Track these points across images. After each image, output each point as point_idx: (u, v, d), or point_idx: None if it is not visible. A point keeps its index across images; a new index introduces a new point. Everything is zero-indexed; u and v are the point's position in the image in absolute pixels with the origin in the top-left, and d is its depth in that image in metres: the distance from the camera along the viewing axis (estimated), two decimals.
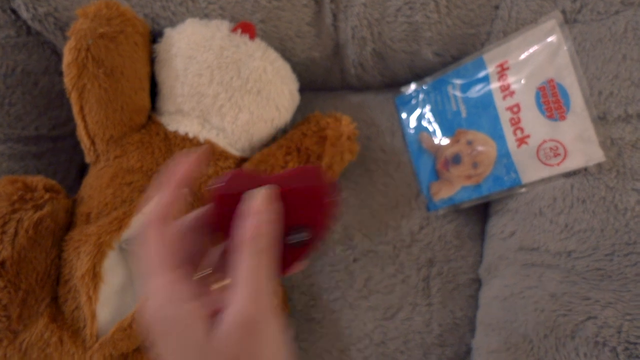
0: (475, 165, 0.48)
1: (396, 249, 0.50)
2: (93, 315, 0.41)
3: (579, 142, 0.43)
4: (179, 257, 0.25)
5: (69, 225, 0.45)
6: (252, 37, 0.47)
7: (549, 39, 0.44)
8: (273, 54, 0.48)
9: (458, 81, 0.49)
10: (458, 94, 0.49)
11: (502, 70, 0.46)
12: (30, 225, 0.41)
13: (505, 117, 0.46)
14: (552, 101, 0.43)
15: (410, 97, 0.53)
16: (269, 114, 0.47)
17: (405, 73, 0.54)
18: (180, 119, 0.48)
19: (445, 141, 0.50)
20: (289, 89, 0.49)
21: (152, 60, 0.49)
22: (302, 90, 0.56)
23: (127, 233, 0.43)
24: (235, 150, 0.48)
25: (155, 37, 0.49)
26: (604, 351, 0.38)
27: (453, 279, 0.50)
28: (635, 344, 0.37)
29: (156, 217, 0.25)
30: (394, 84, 0.56)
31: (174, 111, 0.49)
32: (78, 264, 0.41)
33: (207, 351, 0.22)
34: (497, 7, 0.46)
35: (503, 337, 0.44)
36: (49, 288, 0.42)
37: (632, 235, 0.40)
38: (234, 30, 0.47)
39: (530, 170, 0.45)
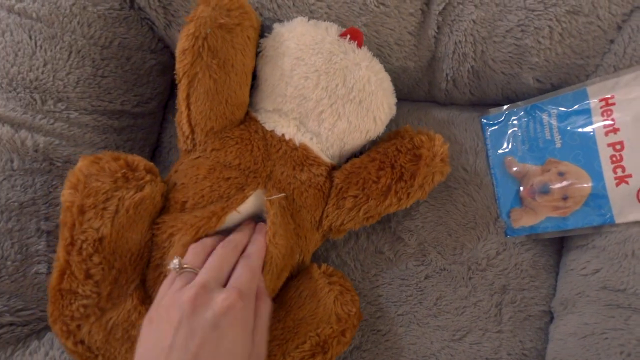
0: (565, 197, 0.47)
1: (470, 271, 0.50)
2: None
3: None
4: None
5: (163, 208, 0.44)
6: (360, 44, 0.46)
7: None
8: (378, 65, 0.47)
9: (555, 110, 0.49)
10: (554, 122, 0.48)
11: (607, 105, 0.45)
12: (131, 205, 0.41)
13: (605, 153, 0.45)
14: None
15: (499, 118, 0.53)
16: (366, 125, 0.47)
17: (496, 94, 0.54)
18: (277, 119, 0.47)
19: (533, 169, 0.49)
20: (388, 102, 0.48)
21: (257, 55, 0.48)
22: None
23: (224, 226, 0.43)
24: (325, 157, 0.47)
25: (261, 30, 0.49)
26: None
27: (525, 309, 0.49)
28: None
29: None
30: (481, 104, 0.56)
31: (271, 110, 0.47)
32: (172, 251, 0.40)
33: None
34: (612, 41, 0.46)
35: None
36: (139, 270, 0.42)
37: None
38: (342, 35, 0.46)
39: (627, 211, 0.44)
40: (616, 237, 0.45)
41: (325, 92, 0.45)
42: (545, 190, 0.48)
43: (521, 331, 0.49)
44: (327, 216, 0.46)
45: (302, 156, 0.45)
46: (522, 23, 0.46)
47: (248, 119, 0.47)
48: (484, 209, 0.51)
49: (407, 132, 0.47)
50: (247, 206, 0.43)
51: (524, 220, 0.49)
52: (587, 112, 0.47)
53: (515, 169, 0.51)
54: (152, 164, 0.43)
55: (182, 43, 0.41)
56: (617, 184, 0.44)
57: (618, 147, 0.45)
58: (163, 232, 0.42)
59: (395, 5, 0.48)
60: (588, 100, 0.47)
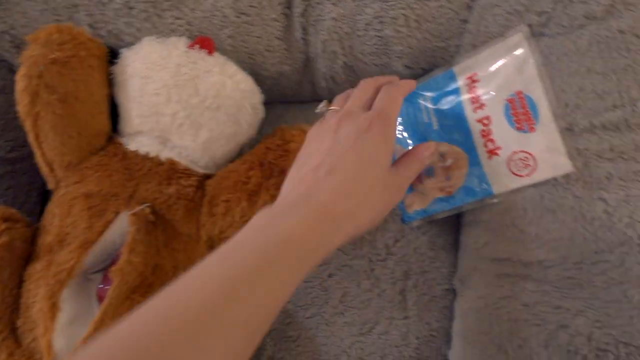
0: (448, 177, 0.48)
1: (371, 263, 0.50)
2: (49, 347, 0.40)
3: (547, 153, 0.44)
4: None
5: (30, 254, 0.43)
6: (210, 52, 0.46)
7: (516, 52, 0.45)
8: (232, 68, 0.47)
9: (429, 93, 0.50)
10: (430, 105, 0.49)
11: (472, 83, 0.47)
12: None
13: (476, 129, 0.46)
14: (520, 113, 0.44)
15: None
16: (230, 129, 0.47)
17: None
18: (141, 139, 0.47)
19: None
20: (251, 103, 0.48)
21: (111, 82, 0.48)
22: (273, 103, 0.56)
23: (88, 260, 0.42)
24: (198, 167, 0.47)
25: (116, 56, 0.48)
26: (576, 359, 0.39)
27: (428, 290, 0.50)
28: (605, 350, 0.38)
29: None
30: None
31: (133, 132, 0.47)
32: (38, 296, 0.39)
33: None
34: (465, 21, 0.47)
35: (478, 348, 0.44)
36: (6, 320, 0.41)
37: (600, 244, 0.41)
38: (191, 46, 0.46)
39: (502, 182, 0.46)
40: (497, 209, 0.47)
41: (179, 104, 0.45)
42: (430, 173, 0.49)
43: (427, 313, 0.50)
44: (203, 225, 0.45)
45: (168, 170, 0.45)
46: (378, 15, 0.47)
47: (109, 145, 0.46)
48: None
49: (280, 130, 0.48)
50: (115, 230, 0.42)
51: (417, 205, 0.50)
52: (456, 91, 0.48)
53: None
54: (13, 211, 0.42)
55: (18, 85, 0.40)
56: (490, 157, 0.46)
57: (486, 121, 0.46)
58: (32, 278, 0.41)
59: (256, 13, 0.48)
60: (456, 80, 0.48)
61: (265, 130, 0.52)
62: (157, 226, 0.44)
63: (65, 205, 0.43)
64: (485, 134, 0.46)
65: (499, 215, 0.46)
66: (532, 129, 0.44)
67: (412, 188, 0.51)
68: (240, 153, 0.50)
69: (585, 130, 0.43)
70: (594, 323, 0.39)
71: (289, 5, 0.49)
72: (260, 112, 0.50)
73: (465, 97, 0.47)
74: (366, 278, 0.50)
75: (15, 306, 0.41)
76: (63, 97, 0.42)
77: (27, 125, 0.42)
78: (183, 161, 0.47)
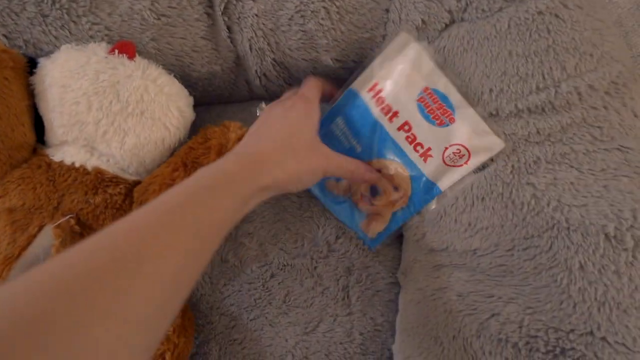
0: (396, 189, 0.47)
1: (313, 260, 0.50)
2: None
3: (476, 138, 0.43)
4: None
5: None
6: (131, 56, 0.45)
7: (407, 52, 0.43)
8: (155, 71, 0.46)
9: (339, 119, 0.47)
10: (345, 130, 0.47)
11: (376, 94, 0.45)
12: None
13: (400, 137, 0.45)
14: (435, 108, 0.43)
15: None
16: (157, 134, 0.46)
17: None
18: (66, 149, 0.46)
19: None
20: (177, 106, 0.47)
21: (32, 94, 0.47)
22: (209, 104, 0.55)
23: (13, 275, 0.41)
24: (129, 175, 0.46)
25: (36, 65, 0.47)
26: (507, 347, 0.38)
27: (372, 285, 0.50)
28: (535, 337, 0.38)
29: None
30: None
31: (58, 143, 0.46)
32: None
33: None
34: (387, 10, 0.46)
35: (417, 341, 0.44)
36: None
37: (530, 230, 0.40)
38: (111, 51, 0.45)
39: (445, 177, 0.45)
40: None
41: (101, 112, 0.44)
42: (375, 193, 0.48)
43: (370, 308, 0.49)
44: None
45: (95, 179, 0.44)
46: (299, 9, 0.46)
47: (34, 156, 0.45)
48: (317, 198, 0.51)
49: (203, 129, 0.47)
50: (39, 244, 0.41)
51: (376, 227, 0.49)
52: (364, 108, 0.45)
53: (335, 190, 0.50)
54: None
55: None
56: (425, 160, 0.45)
57: (406, 127, 0.44)
58: None
59: (177, 14, 0.47)
60: (359, 96, 0.46)
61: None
62: (83, 237, 0.43)
63: None
64: (411, 140, 0.45)
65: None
66: (452, 120, 0.43)
67: (364, 215, 0.49)
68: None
69: (511, 114, 0.42)
70: (525, 310, 0.39)
71: (210, 4, 0.48)
72: (188, 114, 0.49)
73: (375, 110, 0.45)
74: (309, 276, 0.49)
75: None
76: None
77: None
78: (111, 169, 0.46)
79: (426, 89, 0.43)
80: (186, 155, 0.45)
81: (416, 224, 0.48)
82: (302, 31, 0.47)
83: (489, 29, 0.43)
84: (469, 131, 0.43)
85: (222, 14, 0.47)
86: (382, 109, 0.45)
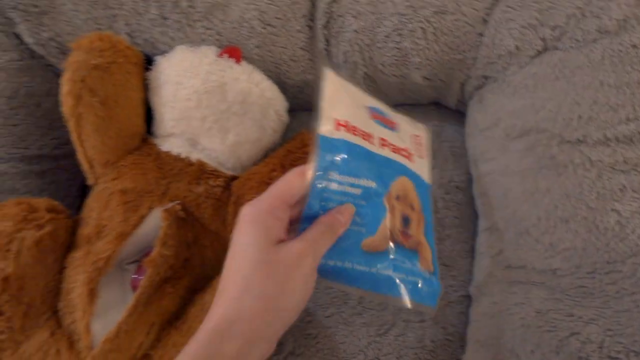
0: (411, 207, 0.41)
1: None
2: (87, 329, 0.43)
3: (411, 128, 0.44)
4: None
5: (71, 243, 0.46)
6: (238, 60, 0.49)
7: (343, 84, 0.41)
8: (258, 76, 0.50)
9: (334, 173, 0.36)
10: (346, 179, 0.37)
11: (347, 126, 0.38)
12: (32, 243, 0.43)
13: (390, 154, 0.40)
14: (382, 119, 0.41)
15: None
16: (255, 134, 0.49)
17: (397, 95, 0.57)
18: (173, 141, 0.50)
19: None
20: (275, 110, 0.51)
21: (146, 87, 0.51)
22: (298, 111, 0.58)
23: (125, 250, 0.45)
24: (226, 169, 0.50)
25: (151, 62, 0.51)
26: None
27: (445, 296, 0.51)
28: (616, 358, 0.39)
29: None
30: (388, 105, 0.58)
31: (166, 134, 0.50)
32: (78, 281, 0.43)
33: (264, 246, 0.31)
34: (481, 35, 0.48)
35: (492, 353, 0.45)
36: (49, 302, 0.44)
37: (613, 255, 0.41)
38: (220, 55, 0.49)
39: (424, 171, 0.43)
40: (513, 218, 0.48)
41: (209, 109, 0.47)
42: (407, 222, 0.40)
43: (442, 318, 0.51)
44: (229, 224, 0.48)
45: (198, 171, 0.48)
46: (397, 27, 0.49)
47: (144, 145, 0.49)
48: None
49: (300, 135, 0.50)
50: (148, 225, 0.45)
51: (427, 256, 0.41)
52: (348, 144, 0.37)
53: (373, 244, 0.38)
54: (56, 203, 0.46)
55: (63, 88, 0.44)
56: (411, 160, 0.42)
57: (384, 142, 0.40)
58: (72, 265, 0.44)
59: (281, 24, 0.51)
60: (330, 138, 0.37)
61: (289, 136, 0.55)
62: (187, 223, 0.46)
63: (103, 200, 0.46)
64: (396, 150, 0.40)
65: (514, 224, 0.47)
66: (394, 124, 0.42)
67: (416, 255, 0.40)
68: (265, 157, 0.53)
69: (599, 142, 0.44)
70: (606, 331, 0.40)
71: (312, 18, 0.51)
72: (285, 118, 0.52)
73: (358, 140, 0.38)
74: None
75: (57, 290, 0.45)
76: (104, 100, 0.46)
77: (71, 125, 0.46)
78: (211, 163, 0.49)
79: (366, 107, 0.41)
80: (284, 158, 0.48)
81: (492, 240, 0.50)
82: (397, 48, 0.50)
83: (582, 58, 0.45)
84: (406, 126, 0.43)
85: (322, 27, 0.51)
86: (362, 136, 0.39)
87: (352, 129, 0.38)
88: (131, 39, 0.51)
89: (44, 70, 0.53)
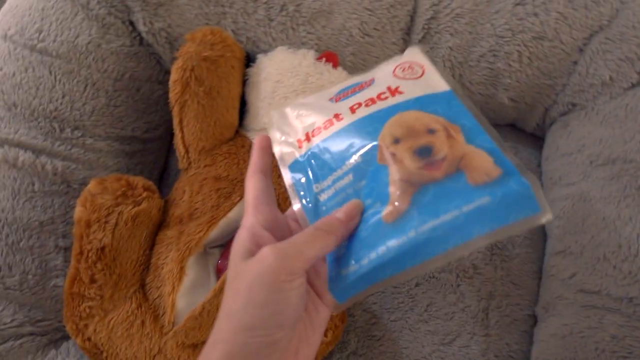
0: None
1: (458, 278, 0.53)
2: (173, 304, 0.45)
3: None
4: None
5: (161, 222, 0.49)
6: (335, 65, 0.52)
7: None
8: None
9: (315, 184, 0.33)
10: (329, 181, 0.33)
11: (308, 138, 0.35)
12: (129, 218, 0.46)
13: (374, 107, 0.35)
14: (351, 90, 0.37)
15: None
16: None
17: None
18: None
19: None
20: None
21: (244, 82, 0.54)
22: None
23: (213, 234, 0.47)
24: None
25: (251, 59, 0.54)
26: None
27: (511, 313, 0.52)
28: None
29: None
30: None
31: (259, 129, 0.53)
32: (168, 258, 0.45)
33: (235, 263, 0.28)
34: (575, 63, 0.50)
35: None
36: (138, 275, 0.46)
37: None
38: (319, 58, 0.52)
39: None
40: (591, 243, 0.48)
41: None
42: (427, 151, 0.32)
43: (507, 334, 0.51)
44: None
45: None
46: (493, 49, 0.51)
47: (237, 136, 0.52)
48: None
49: None
50: (236, 211, 0.47)
51: (482, 164, 0.32)
52: (312, 153, 0.34)
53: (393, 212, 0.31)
54: (150, 182, 0.48)
55: (173, 75, 0.47)
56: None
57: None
58: (164, 242, 0.46)
59: (378, 35, 0.53)
60: (296, 161, 0.35)
61: None
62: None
63: (196, 184, 0.49)
64: (371, 101, 0.34)
65: (591, 249, 0.48)
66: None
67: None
68: None
69: None
70: None
71: (408, 32, 0.54)
72: None
73: (320, 138, 0.34)
74: (452, 292, 0.53)
75: (146, 265, 0.47)
76: (208, 90, 0.48)
77: (175, 111, 0.49)
78: None
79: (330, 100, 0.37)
80: None
81: (565, 263, 0.50)
82: (490, 69, 0.52)
83: None
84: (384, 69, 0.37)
85: (418, 41, 0.53)
86: (325, 125, 0.35)
87: (314, 133, 0.34)
88: (235, 36, 0.53)
89: (149, 58, 0.56)
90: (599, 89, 0.49)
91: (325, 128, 0.34)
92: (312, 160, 0.33)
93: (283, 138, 0.36)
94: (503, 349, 0.51)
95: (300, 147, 0.35)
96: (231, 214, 0.47)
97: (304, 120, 0.36)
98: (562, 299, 0.50)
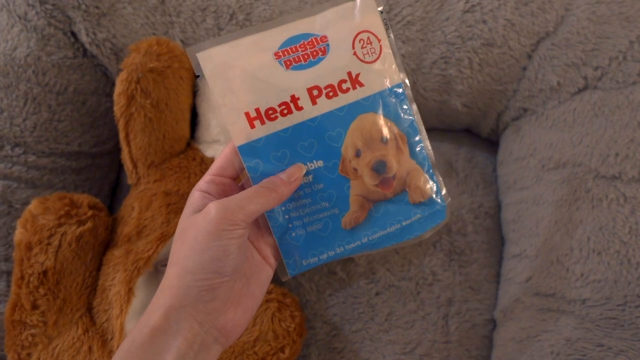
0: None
1: (418, 286, 0.53)
2: (122, 328, 0.43)
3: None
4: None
5: (108, 241, 0.47)
6: None
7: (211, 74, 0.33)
8: None
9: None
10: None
11: (259, 115, 0.33)
12: (72, 239, 0.44)
13: (335, 101, 0.35)
14: (303, 55, 0.34)
15: None
16: None
17: (432, 119, 0.58)
18: (217, 147, 0.51)
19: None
20: None
21: (194, 93, 0.53)
22: None
23: (164, 251, 0.46)
24: None
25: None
26: None
27: (470, 318, 0.52)
28: None
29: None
30: None
31: (210, 141, 0.51)
32: (116, 279, 0.43)
33: (183, 219, 0.31)
34: (525, 69, 0.51)
35: None
36: (85, 299, 0.44)
37: None
38: None
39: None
40: (545, 246, 0.49)
41: None
42: (382, 167, 0.36)
43: (467, 340, 0.51)
44: None
45: None
46: (444, 55, 0.51)
47: (189, 149, 0.50)
48: None
49: None
50: None
51: (418, 184, 0.38)
52: (267, 142, 0.34)
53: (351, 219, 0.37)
54: (97, 200, 0.46)
55: (117, 88, 0.45)
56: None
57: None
58: (111, 263, 0.44)
59: None
60: (248, 143, 0.33)
61: None
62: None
63: (145, 200, 0.47)
64: (332, 93, 0.34)
65: (545, 252, 0.49)
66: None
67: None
68: None
69: (633, 179, 0.46)
70: None
71: None
72: None
73: (277, 125, 0.33)
74: (412, 300, 0.52)
75: (93, 287, 0.45)
76: (155, 102, 0.47)
77: (120, 125, 0.47)
78: None
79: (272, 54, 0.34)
80: None
81: (521, 267, 0.51)
82: (442, 75, 0.52)
83: (621, 99, 0.47)
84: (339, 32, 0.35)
85: None
86: (282, 111, 0.33)
87: (268, 114, 0.33)
88: (184, 46, 0.52)
89: (93, 70, 0.53)
90: (547, 94, 0.50)
91: (283, 115, 0.33)
92: (269, 148, 0.33)
93: (227, 101, 0.33)
94: (463, 355, 0.51)
95: (252, 126, 0.33)
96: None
97: (252, 90, 0.33)
98: (520, 303, 0.50)
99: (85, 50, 0.52)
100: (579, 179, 0.48)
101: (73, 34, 0.51)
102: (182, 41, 0.52)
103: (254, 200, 0.31)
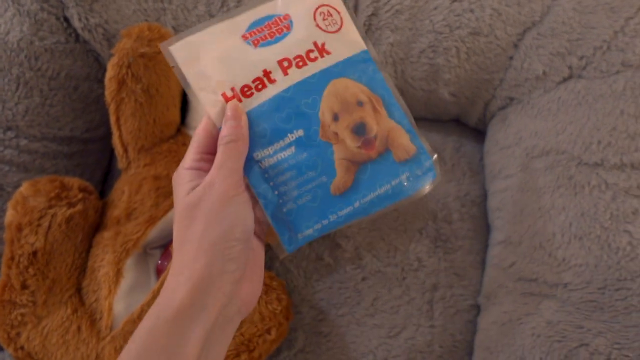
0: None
1: (404, 272, 0.54)
2: (110, 308, 0.44)
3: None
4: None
5: (99, 224, 0.48)
6: None
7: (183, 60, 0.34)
8: None
9: (255, 152, 0.35)
10: (271, 149, 0.35)
11: (234, 94, 0.34)
12: (62, 220, 0.45)
13: (306, 70, 0.36)
14: (269, 33, 0.36)
15: None
16: None
17: (420, 108, 0.59)
18: None
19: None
20: None
21: None
22: None
23: (153, 234, 0.46)
24: None
25: None
26: None
27: (454, 304, 0.53)
28: None
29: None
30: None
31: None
32: (105, 261, 0.44)
33: (182, 198, 0.31)
34: (511, 58, 0.51)
35: (501, 358, 0.47)
36: (74, 280, 0.45)
37: (623, 273, 0.44)
38: None
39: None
40: (528, 232, 0.50)
41: None
42: (362, 129, 0.36)
43: (451, 325, 0.52)
44: None
45: None
46: (432, 44, 0.52)
47: (179, 134, 0.51)
48: (413, 214, 0.56)
49: None
50: None
51: (401, 142, 0.39)
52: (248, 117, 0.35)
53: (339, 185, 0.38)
54: (87, 183, 0.47)
55: (108, 72, 0.46)
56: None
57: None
58: (100, 245, 0.45)
59: None
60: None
61: None
62: None
63: (135, 184, 0.48)
64: (302, 62, 0.35)
65: (529, 238, 0.50)
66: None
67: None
68: None
69: (615, 166, 0.46)
70: (613, 344, 0.42)
71: None
72: None
73: (254, 101, 0.34)
74: (398, 285, 0.53)
75: (82, 269, 0.46)
76: (146, 87, 0.47)
77: (111, 109, 0.47)
78: None
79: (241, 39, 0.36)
80: None
81: (505, 253, 0.52)
82: (430, 64, 0.53)
83: (605, 88, 0.48)
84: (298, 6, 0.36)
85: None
86: (257, 86, 0.34)
87: (244, 91, 0.34)
88: (176, 32, 0.52)
89: (85, 55, 0.54)
90: (533, 83, 0.51)
91: (258, 90, 0.34)
92: (250, 125, 0.34)
93: (202, 85, 0.34)
94: (447, 339, 0.52)
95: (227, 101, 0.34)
96: (171, 214, 0.46)
97: (225, 71, 0.34)
98: (503, 288, 0.51)
99: (77, 35, 0.53)
100: (562, 166, 0.49)
101: (66, 19, 0.51)
102: (174, 28, 0.52)
103: (232, 157, 0.32)
